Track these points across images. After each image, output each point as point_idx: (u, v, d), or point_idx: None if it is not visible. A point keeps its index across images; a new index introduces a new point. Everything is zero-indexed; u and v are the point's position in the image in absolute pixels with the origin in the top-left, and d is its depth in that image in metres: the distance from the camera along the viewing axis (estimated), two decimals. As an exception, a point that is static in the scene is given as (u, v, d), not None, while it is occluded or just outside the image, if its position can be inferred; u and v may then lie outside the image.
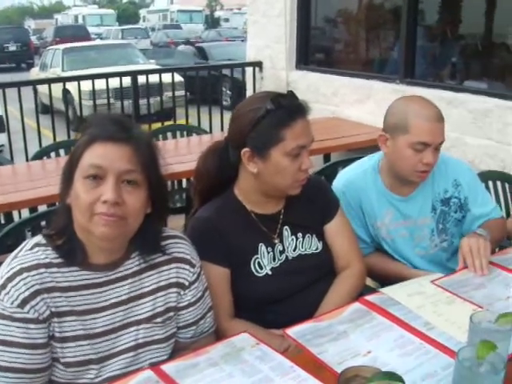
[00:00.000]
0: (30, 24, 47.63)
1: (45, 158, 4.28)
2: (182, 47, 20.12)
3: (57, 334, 1.63)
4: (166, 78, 6.81)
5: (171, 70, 7.08)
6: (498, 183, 3.51)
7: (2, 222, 4.04)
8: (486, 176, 3.40)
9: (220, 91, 7.09)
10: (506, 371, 1.43)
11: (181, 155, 4.24)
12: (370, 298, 2.02)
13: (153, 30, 37.16)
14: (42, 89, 6.86)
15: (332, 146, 4.79)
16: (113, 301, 1.70)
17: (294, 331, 1.81)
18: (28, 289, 1.57)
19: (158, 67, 11.32)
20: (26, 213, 3.89)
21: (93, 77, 6.40)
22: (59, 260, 1.64)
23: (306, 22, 6.41)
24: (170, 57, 17.99)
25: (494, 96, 4.57)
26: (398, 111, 2.40)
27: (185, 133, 5.11)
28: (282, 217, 2.17)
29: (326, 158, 5.00)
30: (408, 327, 1.83)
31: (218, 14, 51.61)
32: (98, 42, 23.63)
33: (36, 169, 4.15)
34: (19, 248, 1.66)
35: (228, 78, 7.97)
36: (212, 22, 46.90)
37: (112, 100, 6.93)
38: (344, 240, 2.27)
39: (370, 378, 1.26)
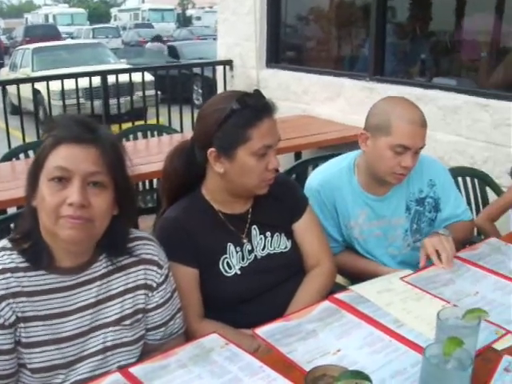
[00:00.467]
0: (0, 23, 47.14)
1: (14, 159, 4.22)
2: (149, 45, 20.02)
3: (23, 340, 1.61)
4: (137, 77, 6.77)
5: (141, 70, 7.02)
6: (468, 179, 3.54)
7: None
8: (456, 172, 3.42)
9: (191, 90, 7.06)
10: (474, 367, 1.43)
11: (151, 155, 4.23)
12: (339, 296, 2.02)
13: (124, 28, 36.92)
14: (12, 89, 6.79)
15: (303, 144, 4.80)
16: (80, 304, 1.68)
17: (263, 331, 1.81)
18: None
19: (128, 66, 11.25)
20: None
21: (62, 77, 6.34)
22: (25, 264, 1.62)
23: (276, 19, 6.40)
24: (141, 56, 17.89)
25: (463, 93, 4.60)
26: (381, 112, 2.38)
27: (155, 132, 5.08)
28: (250, 216, 2.17)
29: (297, 156, 5.00)
30: (377, 325, 1.83)
31: (189, 12, 51.46)
32: (68, 41, 23.40)
33: (5, 170, 4.08)
34: (-15, 252, 1.64)
35: (199, 77, 7.94)
36: (184, 21, 46.78)
37: (82, 100, 6.86)
38: (313, 238, 2.27)
39: (337, 377, 1.26)
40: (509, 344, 1.74)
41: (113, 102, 6.93)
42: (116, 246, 1.73)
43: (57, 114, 7.55)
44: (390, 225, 2.55)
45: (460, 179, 3.47)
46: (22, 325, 1.60)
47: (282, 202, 2.22)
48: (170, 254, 1.90)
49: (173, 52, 16.95)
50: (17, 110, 6.78)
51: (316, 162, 3.37)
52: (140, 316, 1.79)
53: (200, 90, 10.79)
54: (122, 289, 1.75)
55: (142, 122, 6.39)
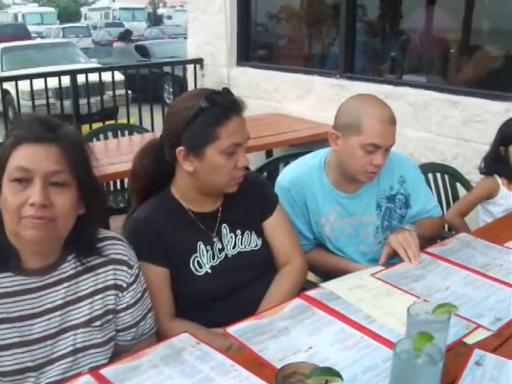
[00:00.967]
0: (-32, 23, 46.59)
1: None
2: (116, 44, 19.90)
3: None
4: (107, 76, 6.72)
5: (111, 69, 6.98)
6: (438, 175, 3.57)
7: None
8: (427, 168, 3.44)
9: (162, 89, 7.03)
10: (445, 362, 1.44)
11: (122, 154, 4.19)
12: (310, 293, 2.02)
13: (95, 28, 36.63)
14: (-20, 90, 6.69)
15: (274, 142, 4.80)
16: (48, 306, 1.66)
17: (234, 329, 1.80)
18: None
19: (99, 66, 11.17)
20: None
21: (31, 76, 6.29)
22: None
23: (247, 18, 6.40)
24: (111, 55, 17.78)
25: (433, 89, 4.64)
26: (351, 110, 2.38)
27: (126, 132, 5.05)
28: (220, 215, 2.16)
29: (269, 154, 5.01)
30: (349, 321, 1.84)
31: (160, 11, 51.22)
32: (38, 40, 23.14)
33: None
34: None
35: (170, 76, 7.92)
36: (155, 20, 46.54)
37: (53, 100, 6.81)
38: (284, 236, 2.27)
39: (307, 374, 1.26)
40: (480, 338, 1.76)
41: (83, 101, 6.86)
42: (84, 245, 1.71)
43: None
44: (361, 222, 2.55)
45: (430, 175, 3.50)
46: None
47: (252, 200, 2.22)
48: (140, 253, 1.88)
49: (143, 51, 16.85)
50: (-15, 111, 6.71)
51: (287, 159, 3.38)
52: (110, 317, 1.77)
53: (171, 89, 10.77)
54: (91, 290, 1.73)
55: (112, 122, 6.35)
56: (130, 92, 7.11)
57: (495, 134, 3.26)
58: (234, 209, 2.18)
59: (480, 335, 1.77)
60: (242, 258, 2.15)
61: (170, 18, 45.69)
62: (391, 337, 1.73)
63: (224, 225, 2.16)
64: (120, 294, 1.78)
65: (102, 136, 4.85)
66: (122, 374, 1.58)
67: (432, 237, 2.66)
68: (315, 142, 4.44)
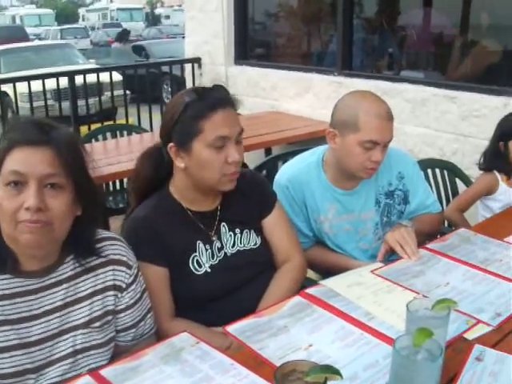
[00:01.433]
0: (-34, 25, 46.51)
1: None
2: (115, 45, 19.87)
3: None
4: (105, 77, 6.71)
5: (109, 69, 6.97)
6: (437, 171, 3.56)
7: None
8: (426, 164, 3.44)
9: (160, 89, 7.02)
10: (445, 357, 1.44)
11: (121, 155, 4.18)
12: (310, 290, 2.01)
13: (93, 29, 36.60)
14: (-21, 92, 6.68)
15: (272, 140, 4.80)
16: (47, 307, 1.66)
17: (233, 328, 1.80)
18: None
19: (96, 66, 11.15)
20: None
21: (29, 78, 6.29)
22: None
23: (244, 16, 6.41)
24: (110, 56, 17.76)
25: (431, 85, 4.64)
26: (347, 107, 2.37)
27: (125, 132, 5.04)
28: (219, 213, 2.15)
29: (267, 152, 5.00)
30: (348, 318, 1.83)
31: (158, 11, 51.12)
32: (36, 42, 23.11)
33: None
34: None
35: (168, 76, 7.91)
36: (153, 20, 46.49)
37: (51, 102, 6.80)
38: (283, 234, 2.26)
39: (306, 372, 1.25)
40: (480, 333, 1.75)
41: (81, 102, 6.85)
42: (82, 247, 1.71)
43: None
44: (360, 219, 2.55)
45: (430, 171, 3.49)
46: None
47: (250, 199, 2.21)
48: (139, 253, 1.88)
49: (142, 51, 16.82)
50: (-15, 114, 6.68)
51: (286, 157, 3.37)
52: (110, 318, 1.77)
53: (169, 89, 10.75)
54: (90, 291, 1.73)
55: (111, 123, 6.35)
56: (128, 92, 7.10)
57: (494, 129, 3.26)
58: (233, 207, 2.17)
59: (480, 330, 1.77)
60: (242, 257, 2.14)
61: (167, 17, 45.62)
62: (391, 333, 1.72)
63: (223, 223, 2.16)
64: (119, 295, 1.78)
65: (100, 137, 4.84)
66: (121, 374, 1.58)
67: (431, 232, 2.65)
68: (314, 139, 4.43)
